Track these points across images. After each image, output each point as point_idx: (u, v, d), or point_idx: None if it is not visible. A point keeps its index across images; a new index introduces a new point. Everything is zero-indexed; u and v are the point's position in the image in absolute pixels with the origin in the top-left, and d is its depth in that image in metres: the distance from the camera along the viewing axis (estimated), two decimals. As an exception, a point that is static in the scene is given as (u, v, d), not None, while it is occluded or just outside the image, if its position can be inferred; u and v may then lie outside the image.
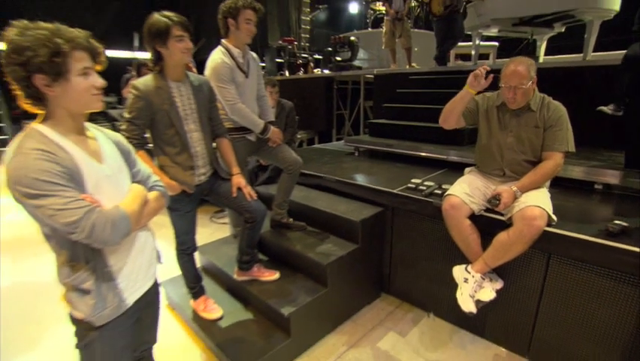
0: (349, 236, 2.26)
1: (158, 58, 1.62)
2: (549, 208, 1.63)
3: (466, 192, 1.85)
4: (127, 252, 1.10)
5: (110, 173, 1.05)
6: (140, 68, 3.65)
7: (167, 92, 1.65)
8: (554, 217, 1.64)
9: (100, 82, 0.99)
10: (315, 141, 6.08)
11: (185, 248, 1.97)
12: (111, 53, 9.07)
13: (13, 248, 3.33)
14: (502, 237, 1.69)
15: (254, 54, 2.22)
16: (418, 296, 2.37)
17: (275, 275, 2.17)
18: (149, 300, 1.23)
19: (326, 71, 7.12)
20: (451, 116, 1.96)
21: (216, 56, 2.01)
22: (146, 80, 1.64)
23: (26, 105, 0.93)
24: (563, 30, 4.33)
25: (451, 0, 4.16)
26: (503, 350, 2.00)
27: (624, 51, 2.62)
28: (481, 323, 2.06)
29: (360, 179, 2.67)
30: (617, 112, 2.66)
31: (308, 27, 9.56)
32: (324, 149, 4.16)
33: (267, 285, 2.13)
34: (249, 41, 2.09)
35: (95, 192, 0.98)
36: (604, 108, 2.61)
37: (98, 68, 1.00)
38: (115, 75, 5.86)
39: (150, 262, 1.22)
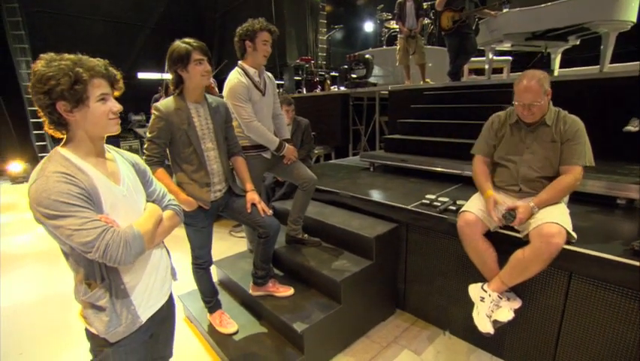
0: (363, 252, 2.26)
1: (179, 81, 1.73)
2: (568, 225, 1.59)
3: (482, 208, 1.83)
4: (142, 270, 1.14)
5: (127, 193, 1.11)
6: (168, 88, 3.87)
7: (186, 112, 1.74)
8: (574, 234, 1.60)
9: (117, 107, 1.06)
10: (332, 156, 6.13)
11: (201, 262, 2.03)
12: (143, 75, 9.59)
13: (42, 259, 3.50)
14: (519, 255, 1.65)
15: (269, 74, 2.32)
16: (433, 313, 2.33)
17: (290, 291, 2.19)
18: (164, 316, 1.26)
19: (342, 88, 7.24)
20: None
21: (233, 76, 2.11)
22: (167, 102, 1.74)
23: (50, 130, 1.02)
24: (578, 43, 4.27)
25: (460, 15, 4.20)
26: (524, 373, 1.92)
27: None
28: (500, 343, 1.99)
29: (375, 195, 2.68)
30: None
31: (325, 46, 9.80)
32: (340, 164, 4.20)
33: (282, 300, 2.15)
34: (265, 62, 2.19)
35: (112, 212, 1.03)
36: (630, 128, 2.56)
37: (117, 93, 1.08)
38: (146, 95, 6.22)
39: (164, 279, 1.25)
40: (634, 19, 3.44)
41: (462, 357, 2.06)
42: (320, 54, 9.67)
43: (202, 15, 10.88)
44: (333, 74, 8.35)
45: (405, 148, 3.60)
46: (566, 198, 1.82)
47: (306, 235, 2.50)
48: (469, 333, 2.11)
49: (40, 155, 7.29)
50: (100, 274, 1.05)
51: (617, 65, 3.97)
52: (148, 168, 1.28)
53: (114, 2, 9.35)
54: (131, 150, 8.93)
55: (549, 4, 3.57)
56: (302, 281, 2.31)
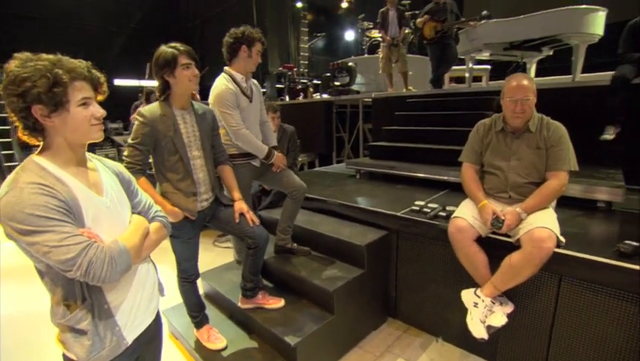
0: (355, 261, 2.23)
1: (165, 87, 1.66)
2: (557, 229, 1.63)
3: (473, 214, 1.84)
4: (127, 287, 1.05)
5: (110, 205, 1.03)
6: (149, 95, 3.73)
7: (172, 119, 1.67)
8: (562, 239, 1.63)
9: (100, 112, 0.97)
10: (316, 163, 6.11)
11: (188, 276, 1.94)
12: (120, 82, 9.29)
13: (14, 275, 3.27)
14: (510, 260, 1.67)
15: (255, 81, 2.27)
16: (425, 320, 2.32)
17: (280, 302, 2.12)
18: (151, 335, 1.18)
19: (325, 96, 7.27)
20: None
21: (220, 83, 2.05)
22: (151, 108, 1.67)
23: (24, 136, 0.93)
24: (551, 53, 4.49)
25: (442, 25, 4.33)
26: (517, 377, 1.93)
27: (612, 72, 2.73)
28: (493, 348, 2.00)
29: (363, 202, 2.66)
30: (616, 132, 2.74)
31: (307, 54, 9.85)
32: (326, 172, 4.18)
33: (272, 313, 2.08)
34: (254, 70, 2.15)
35: (94, 226, 0.95)
36: (607, 137, 2.69)
37: (100, 97, 1.00)
38: (123, 102, 6.02)
39: (151, 296, 1.17)
40: (601, 32, 3.65)
41: (455, 364, 2.05)
42: (302, 62, 9.70)
43: (181, 22, 10.73)
44: (315, 81, 8.39)
45: (390, 155, 3.63)
46: (554, 203, 1.86)
47: (295, 245, 2.45)
48: (462, 339, 2.11)
49: (7, 165, 6.87)
50: (81, 293, 0.96)
51: (591, 74, 4.18)
52: (133, 178, 1.20)
53: (89, 5, 9.07)
54: (107, 158, 8.59)
55: (525, 16, 3.72)
56: (292, 292, 2.25)
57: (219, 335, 2.05)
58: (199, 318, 2.05)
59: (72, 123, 0.93)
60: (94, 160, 1.08)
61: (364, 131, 5.59)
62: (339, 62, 6.10)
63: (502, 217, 1.71)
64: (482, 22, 4.02)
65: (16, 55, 0.89)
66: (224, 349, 1.99)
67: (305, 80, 8.01)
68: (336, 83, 5.55)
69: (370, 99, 4.95)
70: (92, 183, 1.01)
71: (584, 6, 3.57)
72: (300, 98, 7.21)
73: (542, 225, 1.61)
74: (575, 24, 3.49)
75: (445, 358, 2.10)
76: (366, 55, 7.70)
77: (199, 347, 2.02)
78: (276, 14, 9.01)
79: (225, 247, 3.72)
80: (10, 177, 0.88)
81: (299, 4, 9.42)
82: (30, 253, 0.88)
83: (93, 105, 0.96)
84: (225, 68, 2.12)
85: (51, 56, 0.90)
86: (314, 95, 7.57)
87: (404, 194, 2.84)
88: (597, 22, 3.58)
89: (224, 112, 2.02)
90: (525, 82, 1.77)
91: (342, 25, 10.47)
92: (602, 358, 1.63)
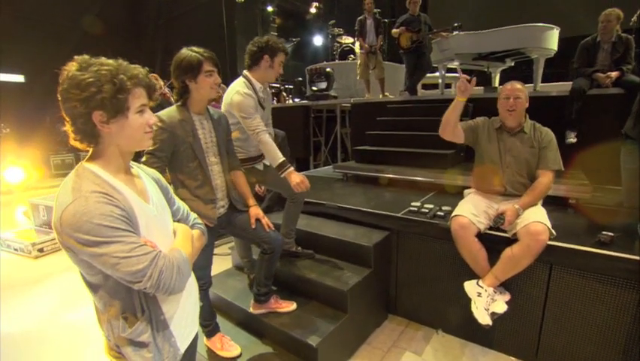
0: (361, 261, 2.31)
1: (184, 91, 1.64)
2: (549, 223, 1.84)
3: (473, 212, 2.02)
4: (178, 297, 1.04)
5: (157, 212, 1.02)
6: None
7: (190, 124, 1.65)
8: (554, 232, 1.84)
9: (153, 119, 0.98)
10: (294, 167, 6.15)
11: (202, 284, 1.89)
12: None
13: None
14: (510, 252, 1.85)
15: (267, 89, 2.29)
16: (424, 314, 2.46)
17: (292, 306, 2.15)
18: (193, 346, 1.17)
19: (297, 100, 7.32)
20: (448, 125, 2.13)
21: (239, 88, 2.02)
22: (169, 112, 1.63)
23: (75, 141, 0.90)
24: (513, 64, 4.97)
25: (417, 36, 4.61)
26: (513, 359, 2.12)
27: (564, 83, 3.12)
28: (490, 335, 2.18)
29: (360, 204, 2.76)
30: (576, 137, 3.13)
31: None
32: (314, 176, 4.23)
33: (284, 316, 2.10)
34: (273, 80, 2.18)
35: (147, 234, 0.93)
36: (571, 140, 3.04)
37: (151, 104, 0.99)
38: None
39: (195, 305, 1.17)
40: (555, 47, 4.11)
41: (457, 352, 2.21)
42: (271, 66, 9.68)
43: (142, 20, 10.22)
44: (287, 86, 8.42)
45: (375, 159, 3.78)
46: (541, 201, 2.09)
47: (299, 248, 2.49)
48: (461, 329, 2.28)
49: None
50: (140, 305, 0.94)
51: (551, 84, 4.68)
52: (169, 185, 1.19)
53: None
54: (64, 164, 7.95)
55: (493, 30, 4.09)
56: (300, 294, 2.28)
57: (232, 343, 2.03)
58: (211, 327, 2.02)
59: (128, 130, 0.92)
60: (135, 167, 1.06)
61: (341, 135, 5.74)
62: (318, 66, 6.20)
63: (503, 214, 1.90)
64: (454, 33, 4.34)
65: (75, 57, 0.86)
66: (239, 356, 1.97)
67: (277, 85, 8.02)
68: (314, 88, 5.63)
69: (349, 104, 5.10)
70: (139, 190, 1.00)
71: (541, 24, 3.99)
72: (275, 102, 7.21)
73: (537, 220, 1.81)
74: (536, 39, 3.90)
75: (447, 347, 2.25)
76: (337, 61, 7.89)
77: (212, 357, 1.98)
78: (245, 16, 8.92)
79: (220, 254, 3.63)
80: (68, 185, 0.85)
81: (269, 8, 9.40)
82: (91, 266, 0.85)
83: (147, 112, 0.96)
84: (245, 72, 2.10)
85: (112, 61, 0.89)
86: (286, 99, 7.61)
87: (396, 196, 2.99)
88: (553, 39, 4.03)
89: (244, 117, 2.00)
90: (517, 85, 2.05)
91: (311, 31, 10.62)
92: (589, 335, 1.86)
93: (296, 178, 2.04)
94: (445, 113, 2.14)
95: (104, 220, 0.81)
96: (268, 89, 2.27)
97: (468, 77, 1.97)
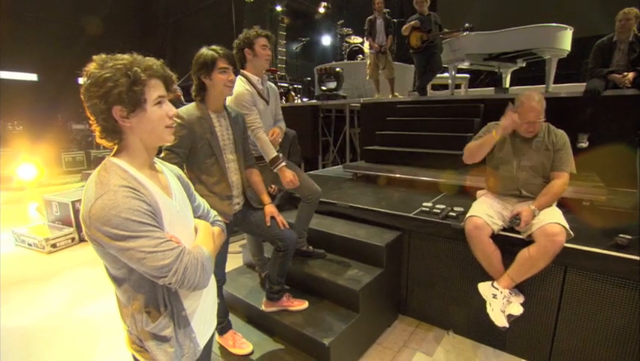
0: (373, 261, 2.31)
1: (201, 88, 1.66)
2: (566, 224, 1.82)
3: (487, 213, 2.01)
4: (198, 293, 1.06)
5: (179, 208, 1.03)
6: None
7: (208, 121, 1.68)
8: (571, 232, 1.82)
9: (173, 110, 0.97)
10: (302, 167, 6.16)
11: (216, 281, 1.91)
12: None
13: None
14: (526, 253, 1.84)
15: (271, 83, 2.31)
16: (435, 315, 2.45)
17: (304, 304, 2.16)
18: (209, 342, 1.18)
19: (305, 99, 7.33)
20: (473, 160, 2.15)
21: (237, 84, 2.05)
22: (188, 109, 1.66)
23: (102, 140, 0.92)
24: (524, 65, 4.92)
25: (428, 35, 4.58)
26: (526, 362, 2.11)
27: (576, 84, 3.07)
28: (502, 337, 2.17)
29: (372, 204, 2.76)
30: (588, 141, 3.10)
31: (284, 58, 9.88)
32: (324, 175, 4.23)
33: (296, 315, 2.11)
34: (268, 66, 2.18)
35: (170, 230, 0.94)
36: (582, 145, 3.00)
37: (171, 96, 0.99)
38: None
39: (214, 302, 1.19)
40: (568, 48, 4.06)
41: (469, 353, 2.20)
42: (280, 65, 9.72)
43: (152, 20, 10.32)
44: (295, 85, 8.44)
45: (385, 159, 3.77)
46: (555, 202, 2.07)
47: (310, 247, 2.49)
48: (472, 330, 2.27)
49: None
50: (163, 300, 0.96)
51: (562, 85, 4.62)
52: (190, 182, 1.20)
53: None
54: (75, 161, 8.06)
55: (505, 30, 4.05)
56: (312, 293, 2.29)
57: (244, 340, 2.04)
58: (223, 324, 2.03)
59: (149, 124, 0.92)
60: (158, 163, 1.07)
61: (350, 135, 5.74)
62: (327, 66, 6.21)
63: (519, 215, 1.88)
64: (465, 33, 4.31)
65: (94, 57, 0.88)
66: (251, 353, 1.99)
67: (286, 84, 8.04)
68: (323, 88, 5.64)
69: (358, 104, 5.09)
70: (163, 186, 1.01)
71: (554, 24, 3.95)
72: (283, 102, 7.24)
73: (554, 220, 1.80)
74: (550, 39, 3.86)
75: (459, 349, 2.24)
76: (346, 60, 7.88)
77: (225, 354, 2.00)
78: (254, 16, 8.96)
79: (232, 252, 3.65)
80: (95, 179, 0.87)
81: (278, 8, 9.43)
82: (116, 259, 0.86)
83: (166, 104, 0.96)
84: (241, 70, 2.14)
85: (126, 55, 0.90)
86: (295, 99, 7.63)
87: (407, 197, 2.98)
88: (566, 39, 3.98)
89: (242, 113, 2.03)
90: (535, 104, 1.93)
91: (319, 30, 10.63)
92: (604, 340, 1.84)
93: (288, 175, 2.11)
94: (472, 146, 2.13)
95: (132, 215, 0.82)
96: (271, 85, 2.29)
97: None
